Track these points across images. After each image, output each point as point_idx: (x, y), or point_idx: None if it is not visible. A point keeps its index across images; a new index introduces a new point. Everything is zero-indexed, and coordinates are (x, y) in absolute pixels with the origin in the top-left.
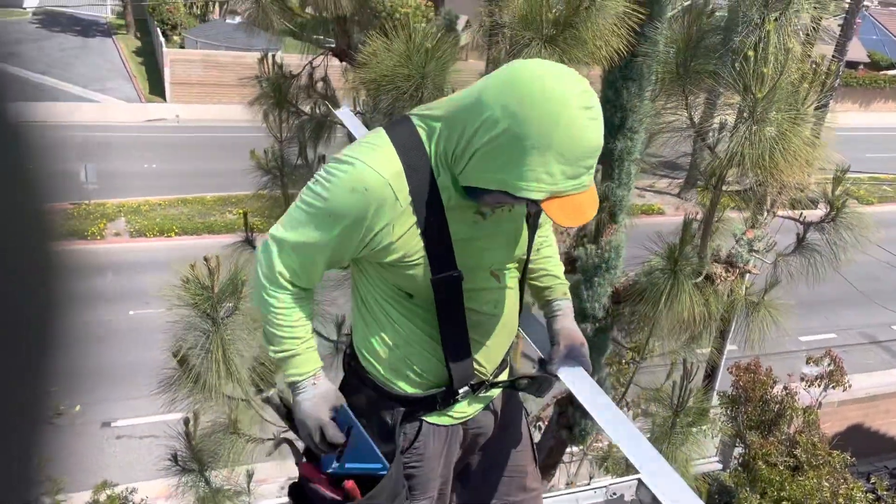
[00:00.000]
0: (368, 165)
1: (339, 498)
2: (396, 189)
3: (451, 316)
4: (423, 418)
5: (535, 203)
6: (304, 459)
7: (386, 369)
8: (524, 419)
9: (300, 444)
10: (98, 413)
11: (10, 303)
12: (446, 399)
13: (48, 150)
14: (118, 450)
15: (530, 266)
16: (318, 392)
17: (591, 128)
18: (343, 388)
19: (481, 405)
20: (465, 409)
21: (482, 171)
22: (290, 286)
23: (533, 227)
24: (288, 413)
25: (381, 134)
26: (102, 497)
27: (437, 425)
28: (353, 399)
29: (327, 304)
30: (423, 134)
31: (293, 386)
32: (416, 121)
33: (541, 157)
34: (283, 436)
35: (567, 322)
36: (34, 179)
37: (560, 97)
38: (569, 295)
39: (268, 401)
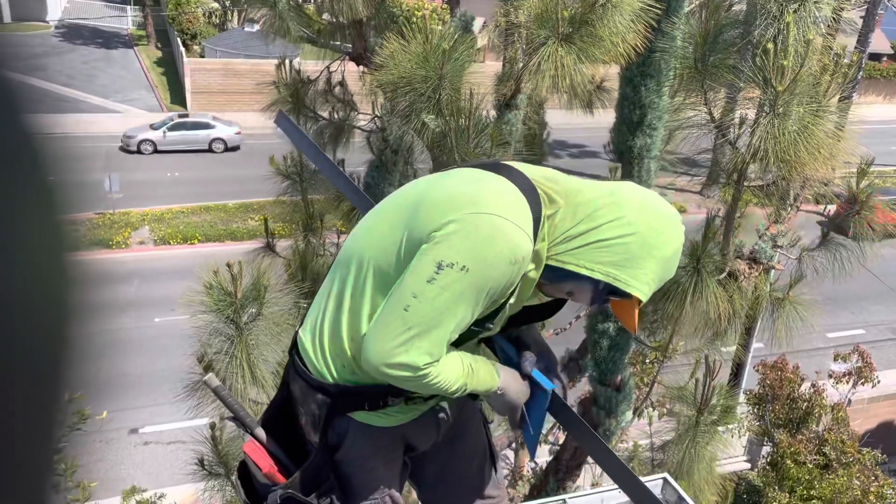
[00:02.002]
0: (525, 232)
1: (266, 482)
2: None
3: None
4: (351, 416)
5: (613, 299)
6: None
7: (322, 356)
8: (482, 427)
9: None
10: (126, 420)
11: (30, 314)
12: (374, 400)
13: (68, 161)
14: (146, 456)
15: None
16: (509, 385)
17: (678, 260)
18: (286, 375)
19: (417, 412)
20: (398, 414)
21: (595, 259)
22: (439, 356)
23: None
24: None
25: (510, 184)
26: (132, 502)
27: (367, 425)
28: (293, 387)
29: None
30: (543, 199)
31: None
32: (537, 185)
33: (655, 267)
34: (226, 416)
35: (535, 333)
36: (55, 190)
37: (679, 229)
38: None
39: (206, 384)
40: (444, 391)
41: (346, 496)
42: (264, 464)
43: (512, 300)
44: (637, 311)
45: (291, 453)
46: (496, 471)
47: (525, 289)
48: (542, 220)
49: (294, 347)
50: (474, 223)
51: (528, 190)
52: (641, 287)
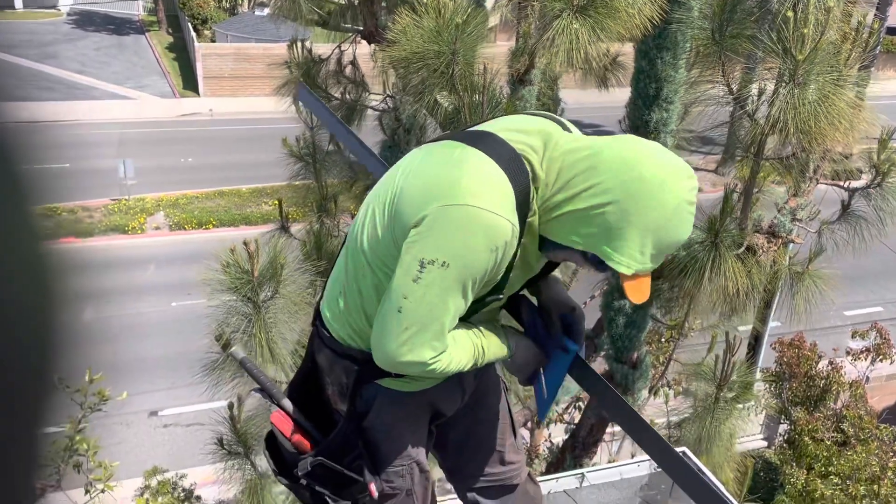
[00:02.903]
0: (502, 216)
1: (294, 451)
2: (518, 234)
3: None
4: (378, 383)
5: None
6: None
7: (345, 326)
8: (502, 393)
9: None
10: (145, 403)
11: (5, 306)
12: None
13: (41, 149)
14: (165, 438)
15: None
16: (520, 350)
17: (689, 222)
18: (310, 346)
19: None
20: (421, 379)
21: (574, 231)
22: (443, 347)
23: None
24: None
25: (489, 161)
26: (153, 483)
27: (395, 391)
28: (319, 357)
29: None
30: (528, 168)
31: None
32: (517, 148)
33: (640, 237)
34: (253, 389)
35: (555, 290)
36: (25, 180)
37: (675, 189)
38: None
39: (232, 356)
40: (456, 372)
41: (374, 463)
42: (292, 433)
43: (513, 272)
44: (630, 284)
45: (318, 424)
46: (516, 436)
47: (530, 257)
48: (531, 191)
49: (317, 318)
50: (447, 217)
51: (512, 162)
52: (624, 260)
